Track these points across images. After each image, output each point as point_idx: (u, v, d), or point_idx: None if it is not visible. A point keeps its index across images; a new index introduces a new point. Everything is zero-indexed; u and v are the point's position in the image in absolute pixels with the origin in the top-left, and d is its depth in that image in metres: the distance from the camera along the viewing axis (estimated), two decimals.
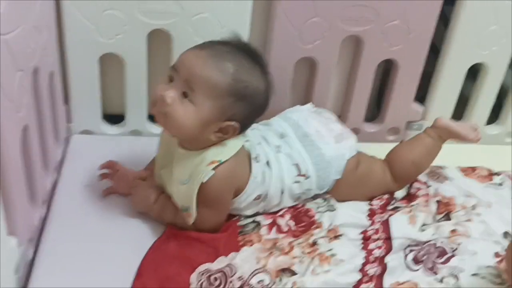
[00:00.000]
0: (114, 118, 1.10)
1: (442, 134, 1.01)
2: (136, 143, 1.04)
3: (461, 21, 1.07)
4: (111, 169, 0.94)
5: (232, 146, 0.85)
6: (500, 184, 1.05)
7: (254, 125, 0.96)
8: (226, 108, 0.81)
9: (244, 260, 0.83)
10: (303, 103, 1.05)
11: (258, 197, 0.89)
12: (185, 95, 0.80)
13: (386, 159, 1.00)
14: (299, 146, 0.92)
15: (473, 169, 1.08)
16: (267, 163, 0.89)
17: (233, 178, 0.85)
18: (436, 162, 1.07)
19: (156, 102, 0.81)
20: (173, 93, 0.80)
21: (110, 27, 0.97)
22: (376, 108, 1.25)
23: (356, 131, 1.17)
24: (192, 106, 0.80)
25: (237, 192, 0.87)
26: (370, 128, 1.20)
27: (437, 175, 1.05)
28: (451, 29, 1.09)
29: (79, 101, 1.05)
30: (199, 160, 0.83)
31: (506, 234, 0.93)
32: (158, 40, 1.01)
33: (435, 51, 1.16)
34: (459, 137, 1.00)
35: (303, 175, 0.91)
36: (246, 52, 0.84)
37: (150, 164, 0.94)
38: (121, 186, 0.91)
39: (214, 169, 0.82)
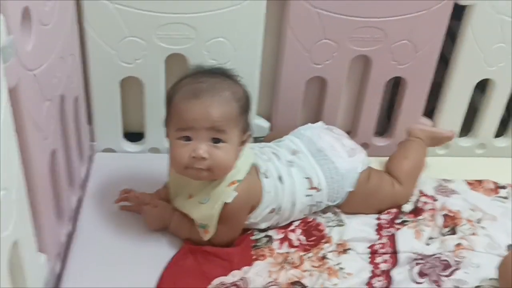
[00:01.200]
0: (134, 136, 1.16)
1: (420, 136, 1.11)
2: (155, 160, 1.09)
3: (467, 38, 1.10)
4: (130, 200, 0.97)
5: (244, 162, 0.90)
6: (506, 197, 1.08)
7: (265, 144, 1.01)
8: (243, 125, 0.89)
9: (256, 274, 0.87)
10: (314, 119, 1.09)
11: (272, 211, 0.94)
12: (214, 140, 0.84)
13: (386, 169, 1.07)
14: (312, 160, 0.96)
15: (480, 182, 1.11)
16: (279, 178, 0.94)
17: (251, 196, 0.90)
18: (443, 175, 1.12)
19: (191, 165, 0.84)
20: (204, 146, 0.83)
21: (130, 52, 1.02)
22: (387, 121, 1.27)
23: (366, 145, 1.21)
24: (226, 145, 0.85)
25: (252, 208, 0.92)
26: (380, 142, 1.23)
27: (444, 189, 1.08)
28: (458, 45, 1.12)
29: (101, 121, 1.10)
30: (218, 182, 0.88)
31: (510, 247, 0.96)
32: (175, 62, 1.06)
33: (446, 62, 1.18)
34: (434, 134, 1.12)
35: (315, 188, 0.95)
36: (218, 73, 0.89)
37: (167, 184, 0.99)
38: (143, 211, 0.95)
39: (235, 189, 0.87)
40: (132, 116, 1.14)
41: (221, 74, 0.90)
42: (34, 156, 0.74)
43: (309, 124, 1.06)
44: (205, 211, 0.88)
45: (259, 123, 1.17)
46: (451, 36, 1.17)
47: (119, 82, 1.06)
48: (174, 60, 1.06)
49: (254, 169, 0.93)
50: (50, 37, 0.80)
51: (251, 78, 1.09)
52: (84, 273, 0.87)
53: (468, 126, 1.25)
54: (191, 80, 0.88)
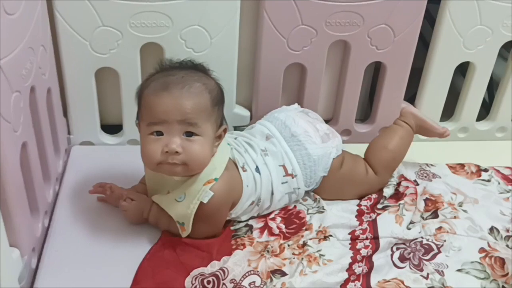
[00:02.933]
0: (113, 128, 1.14)
1: (408, 121, 1.06)
2: (134, 152, 1.06)
3: (446, 21, 1.09)
4: (105, 192, 0.95)
5: (220, 160, 0.88)
6: (488, 180, 1.07)
7: (238, 133, 0.99)
8: (217, 117, 0.86)
9: (236, 263, 0.86)
10: None
11: (252, 203, 0.92)
12: (187, 134, 0.82)
13: (365, 155, 1.04)
14: (285, 146, 0.95)
15: (462, 166, 1.11)
16: (256, 168, 0.92)
17: (229, 193, 0.88)
18: (425, 159, 1.11)
19: (164, 160, 0.81)
20: (177, 140, 0.81)
21: (103, 42, 1.00)
22: (369, 108, 1.27)
23: (347, 132, 1.21)
24: (200, 138, 0.82)
25: (233, 205, 0.90)
26: (362, 128, 1.22)
27: (426, 173, 1.08)
28: (436, 29, 1.11)
29: (77, 113, 1.09)
30: (194, 179, 0.86)
31: (492, 229, 0.96)
32: (151, 52, 1.04)
33: (425, 44, 1.18)
34: (425, 125, 1.06)
35: (290, 175, 0.94)
36: (188, 67, 0.87)
37: (143, 178, 0.97)
38: (120, 205, 0.93)
39: (212, 188, 0.85)
40: (109, 108, 1.13)
41: (192, 67, 0.88)
42: (3, 149, 0.72)
43: (284, 107, 1.04)
44: (180, 210, 0.86)
45: (239, 112, 1.16)
46: (430, 20, 1.17)
47: (94, 73, 1.05)
48: (149, 50, 1.04)
49: (233, 164, 0.91)
50: (17, 26, 0.78)
51: (229, 67, 1.08)
52: (60, 268, 0.86)
53: (449, 110, 1.24)
54: (160, 74, 0.86)
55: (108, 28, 0.99)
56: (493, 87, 1.31)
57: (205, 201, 0.85)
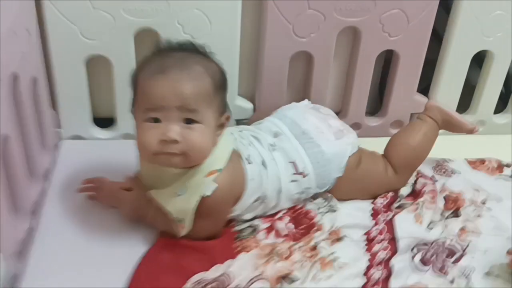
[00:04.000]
0: (104, 122, 1.07)
1: (434, 116, 0.98)
2: (128, 147, 0.98)
3: (463, 7, 1.03)
4: (94, 187, 0.88)
5: (224, 149, 0.81)
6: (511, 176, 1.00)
7: (244, 126, 0.92)
8: (219, 104, 0.79)
9: (241, 268, 0.78)
10: (301, 99, 1.01)
11: (256, 200, 0.85)
12: (187, 121, 0.75)
13: (384, 152, 0.96)
14: (296, 143, 0.88)
15: (482, 161, 1.04)
16: (263, 163, 0.85)
17: (234, 186, 0.81)
18: (442, 154, 1.04)
19: (162, 150, 0.75)
20: (176, 128, 0.74)
21: (94, 28, 0.93)
22: (378, 101, 1.21)
23: (357, 125, 1.14)
24: (201, 126, 0.76)
25: (236, 199, 0.83)
26: (373, 122, 1.16)
27: (444, 168, 1.01)
28: (453, 15, 1.05)
29: (67, 105, 1.01)
30: (195, 171, 0.79)
31: None
32: (145, 39, 0.97)
33: (438, 38, 1.12)
34: (453, 120, 0.98)
35: (301, 173, 0.87)
36: (188, 48, 0.80)
37: (137, 173, 0.89)
38: (110, 201, 0.87)
39: (215, 180, 0.78)
40: (102, 100, 1.06)
41: (192, 49, 0.80)
42: None
43: (293, 103, 0.97)
44: (180, 204, 0.79)
45: (241, 104, 1.09)
46: (445, 7, 1.10)
47: (84, 61, 0.98)
48: (145, 36, 0.97)
49: (236, 155, 0.84)
50: None
51: (230, 55, 1.01)
52: (47, 273, 0.78)
53: (465, 102, 1.18)
54: (157, 57, 0.79)
55: (100, 11, 0.92)
56: (509, 79, 1.24)
57: (208, 194, 0.77)
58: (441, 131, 1.11)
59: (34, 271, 0.78)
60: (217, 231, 0.84)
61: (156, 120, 0.75)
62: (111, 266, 0.79)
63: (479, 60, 1.15)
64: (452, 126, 1.00)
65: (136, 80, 0.78)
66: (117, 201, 0.86)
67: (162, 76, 0.74)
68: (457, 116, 0.99)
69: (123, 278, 0.78)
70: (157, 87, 0.74)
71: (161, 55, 0.78)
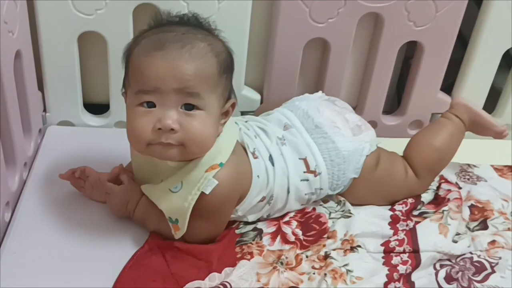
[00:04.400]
0: (97, 108, 0.99)
1: (461, 115, 0.89)
2: (121, 136, 0.90)
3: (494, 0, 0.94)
4: (79, 177, 0.80)
5: (227, 141, 0.72)
6: None
7: (250, 117, 0.83)
8: (224, 89, 0.70)
9: (241, 277, 0.70)
10: (313, 91, 0.93)
11: (262, 199, 0.76)
12: (186, 107, 0.66)
13: (404, 153, 0.87)
14: (308, 138, 0.79)
15: (510, 168, 0.96)
16: (270, 158, 0.76)
17: (238, 183, 0.73)
18: (466, 159, 0.96)
19: (156, 139, 0.66)
20: (174, 114, 0.65)
21: (89, 1, 0.85)
22: (395, 100, 1.14)
23: (373, 124, 1.06)
24: (203, 113, 0.67)
25: (240, 198, 0.75)
26: (390, 121, 1.07)
27: (468, 175, 0.92)
28: (484, 7, 0.97)
29: (55, 87, 0.93)
30: (193, 165, 0.70)
31: None
32: (145, 16, 0.87)
33: (461, 39, 1.03)
34: (481, 120, 0.89)
35: (313, 172, 0.78)
36: (190, 23, 0.71)
37: (129, 165, 0.80)
38: (96, 194, 0.79)
39: (216, 176, 0.69)
40: (95, 84, 0.98)
41: (195, 24, 0.71)
42: None
43: (306, 95, 0.89)
44: (175, 202, 0.70)
45: (248, 95, 1.01)
46: (477, 1, 1.01)
47: (77, 38, 0.89)
48: (144, 13, 0.87)
49: (240, 148, 0.75)
50: None
51: (239, 38, 0.93)
52: (19, 275, 0.70)
53: (489, 106, 1.08)
54: (155, 30, 0.69)
55: None
56: None
57: (207, 192, 0.69)
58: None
59: (6, 272, 0.70)
60: (217, 234, 0.75)
61: (151, 104, 0.66)
62: (93, 269, 0.71)
63: (507, 61, 1.07)
64: (480, 128, 0.91)
65: (128, 57, 0.69)
66: (103, 194, 0.77)
67: (159, 53, 0.65)
68: (487, 116, 0.90)
69: (108, 282, 0.69)
70: (153, 66, 0.65)
71: (159, 29, 0.69)
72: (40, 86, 0.93)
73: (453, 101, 0.91)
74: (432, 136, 0.87)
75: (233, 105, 0.72)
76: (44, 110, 0.95)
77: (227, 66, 0.70)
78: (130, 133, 0.68)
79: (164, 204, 0.71)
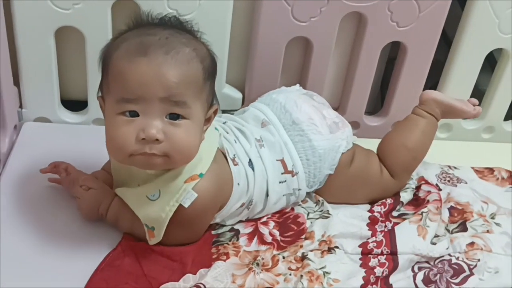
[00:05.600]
0: (75, 104, 0.97)
1: (432, 111, 0.88)
2: (99, 133, 0.88)
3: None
4: (58, 173, 0.78)
5: (207, 149, 0.70)
6: None
7: (228, 116, 0.81)
8: (208, 95, 0.68)
9: (216, 279, 0.69)
10: None
11: (241, 205, 0.75)
12: (172, 116, 0.64)
13: (378, 153, 0.86)
14: (285, 136, 0.78)
15: (490, 170, 0.95)
16: (249, 163, 0.75)
17: (218, 194, 0.71)
18: (447, 161, 0.96)
19: (139, 150, 0.63)
20: (158, 123, 0.63)
21: None
22: (379, 100, 1.13)
23: (356, 125, 1.06)
24: (188, 122, 0.64)
25: (220, 207, 0.73)
26: (373, 121, 1.07)
27: (449, 177, 0.91)
28: (467, 8, 0.96)
29: (32, 83, 0.91)
30: (173, 173, 0.68)
31: None
32: (124, 12, 0.86)
33: (446, 40, 1.03)
34: (454, 110, 0.88)
35: (290, 172, 0.77)
36: (173, 25, 0.69)
37: (107, 164, 0.79)
38: (74, 192, 0.76)
39: (195, 188, 0.67)
40: (72, 80, 0.96)
41: (178, 27, 0.69)
42: None
43: (283, 88, 0.87)
44: (152, 211, 0.68)
45: (229, 93, 0.99)
46: (461, 2, 1.01)
47: (54, 33, 0.87)
48: (124, 9, 0.87)
49: (221, 155, 0.73)
50: None
51: (220, 36, 0.91)
52: None
53: None
54: (135, 33, 0.66)
55: None
56: None
57: (186, 205, 0.67)
58: (443, 136, 1.05)
59: None
60: (194, 241, 0.73)
61: (133, 114, 0.63)
62: (65, 270, 0.69)
63: (490, 62, 1.07)
64: (453, 115, 0.90)
65: (107, 61, 0.66)
66: (75, 192, 0.75)
67: (143, 60, 0.62)
68: (457, 103, 0.88)
69: (77, 286, 0.67)
70: (136, 73, 0.62)
71: (140, 31, 0.66)
72: (16, 82, 0.91)
73: (421, 97, 0.89)
74: (404, 136, 0.86)
75: (215, 111, 0.71)
76: (20, 106, 0.93)
77: (211, 72, 0.68)
78: (110, 143, 0.65)
79: (140, 211, 0.68)
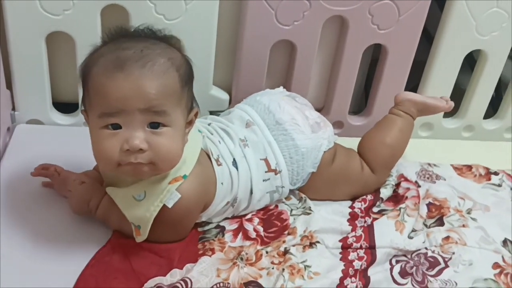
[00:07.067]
0: (66, 107, 0.99)
1: (408, 110, 0.92)
2: None
3: (458, 2, 0.96)
4: (49, 175, 0.80)
5: (191, 151, 0.73)
6: (499, 185, 0.95)
7: (213, 117, 0.84)
8: (187, 100, 0.71)
9: (202, 273, 0.71)
10: None
11: (226, 204, 0.78)
12: (153, 125, 0.66)
13: (358, 151, 0.90)
14: (269, 135, 0.80)
15: (469, 167, 0.98)
16: (233, 162, 0.77)
17: (202, 194, 0.74)
18: (425, 158, 0.99)
19: (126, 160, 0.65)
20: (141, 134, 0.65)
21: (56, 1, 0.85)
22: (364, 100, 1.15)
23: (340, 124, 1.08)
24: (169, 129, 0.67)
25: (205, 207, 0.76)
26: (356, 121, 1.09)
27: (428, 174, 0.94)
28: (446, 11, 0.98)
29: (24, 86, 0.93)
30: (157, 176, 0.70)
31: (505, 242, 0.83)
32: (113, 16, 0.89)
33: (428, 38, 1.05)
34: (428, 107, 0.93)
35: (273, 170, 0.79)
36: (146, 36, 0.71)
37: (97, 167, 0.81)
38: (62, 190, 0.79)
39: (179, 189, 0.70)
40: (64, 83, 0.98)
41: (151, 37, 0.71)
42: None
43: (267, 90, 0.90)
44: (137, 211, 0.70)
45: (216, 95, 1.01)
46: (440, 4, 1.03)
47: (45, 38, 0.89)
48: (112, 14, 0.89)
49: (205, 156, 0.76)
50: None
51: (207, 39, 0.94)
52: None
53: (455, 108, 1.10)
54: (111, 47, 0.68)
55: None
56: (500, 83, 1.18)
57: (169, 206, 0.69)
58: (424, 134, 1.09)
59: None
60: (180, 240, 0.76)
61: (116, 127, 0.65)
62: (55, 267, 0.71)
63: (470, 62, 1.09)
64: (428, 112, 0.94)
65: (86, 76, 0.68)
66: (66, 192, 0.78)
67: (121, 75, 0.64)
68: (431, 100, 0.93)
69: (68, 284, 0.69)
70: (115, 88, 0.64)
71: (115, 45, 0.68)
72: (9, 85, 0.93)
73: (396, 98, 0.93)
74: (383, 134, 0.90)
75: (196, 114, 0.73)
76: (13, 109, 0.95)
77: (188, 78, 0.70)
78: (97, 155, 0.68)
79: (127, 210, 0.71)
